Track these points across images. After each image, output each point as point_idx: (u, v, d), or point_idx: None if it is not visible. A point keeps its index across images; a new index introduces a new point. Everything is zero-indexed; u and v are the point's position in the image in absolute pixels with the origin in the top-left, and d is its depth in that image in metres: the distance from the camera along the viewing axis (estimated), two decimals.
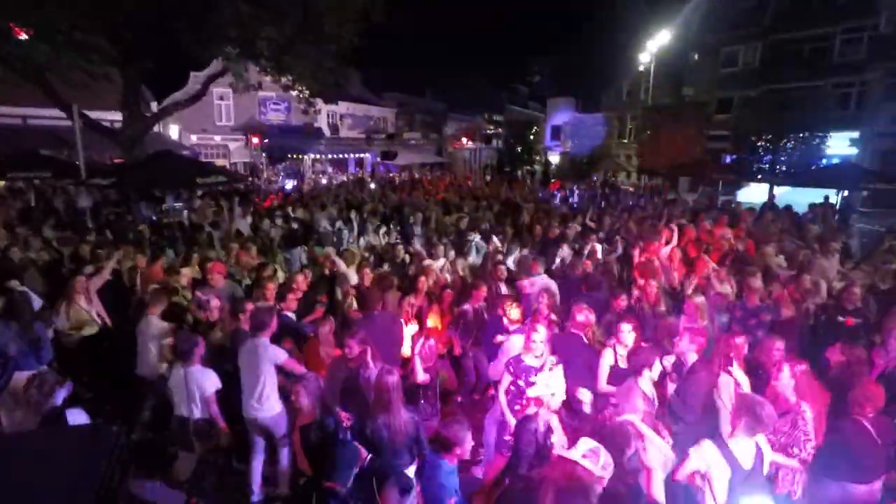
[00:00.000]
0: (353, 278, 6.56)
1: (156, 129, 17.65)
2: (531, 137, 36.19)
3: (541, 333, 4.19)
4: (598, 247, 8.27)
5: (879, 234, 10.47)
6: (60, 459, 1.65)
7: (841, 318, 5.65)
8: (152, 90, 20.70)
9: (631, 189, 21.89)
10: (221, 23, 11.08)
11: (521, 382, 4.12)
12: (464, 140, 41.02)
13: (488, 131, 45.01)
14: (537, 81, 61.01)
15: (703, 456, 3.01)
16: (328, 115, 32.50)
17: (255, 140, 24.57)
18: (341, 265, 6.73)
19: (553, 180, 26.01)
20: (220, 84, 17.77)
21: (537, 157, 37.39)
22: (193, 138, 25.69)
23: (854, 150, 19.56)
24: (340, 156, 32.64)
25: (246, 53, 11.84)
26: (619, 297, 5.70)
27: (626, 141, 30.81)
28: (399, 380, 3.71)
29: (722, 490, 2.93)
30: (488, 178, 27.55)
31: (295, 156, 28.85)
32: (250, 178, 19.21)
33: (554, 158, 39.44)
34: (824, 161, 17.81)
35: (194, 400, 4.16)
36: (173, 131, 24.21)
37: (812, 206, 13.15)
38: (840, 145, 19.90)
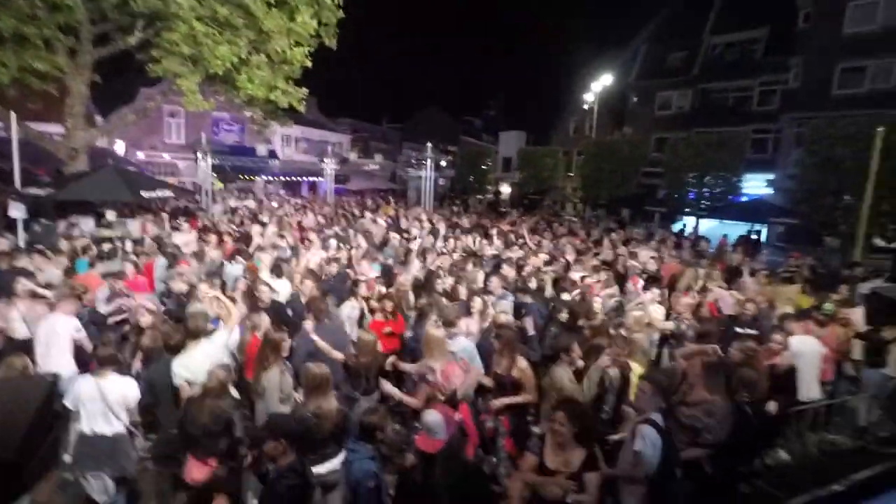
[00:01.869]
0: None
1: (100, 143, 17.24)
2: (483, 167, 37.29)
3: None
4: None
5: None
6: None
7: (739, 330, 6.39)
8: (98, 105, 20.24)
9: (574, 218, 22.99)
10: (175, 40, 11.20)
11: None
12: (414, 164, 41.83)
13: (441, 160, 46.06)
14: (491, 115, 63.20)
15: None
16: (282, 138, 32.55)
17: (208, 157, 24.21)
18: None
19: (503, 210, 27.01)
20: (171, 101, 17.69)
21: (489, 187, 38.49)
22: (140, 155, 25.09)
23: (770, 191, 21.59)
24: (293, 178, 32.59)
25: (199, 71, 11.95)
26: None
27: (571, 174, 32.37)
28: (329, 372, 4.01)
29: None
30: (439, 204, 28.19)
31: (247, 177, 28.62)
32: (198, 196, 18.91)
33: (505, 188, 40.72)
34: (744, 199, 19.56)
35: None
36: (119, 147, 23.57)
37: (737, 238, 14.57)
38: (758, 186, 21.93)
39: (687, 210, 19.83)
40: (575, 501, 2.99)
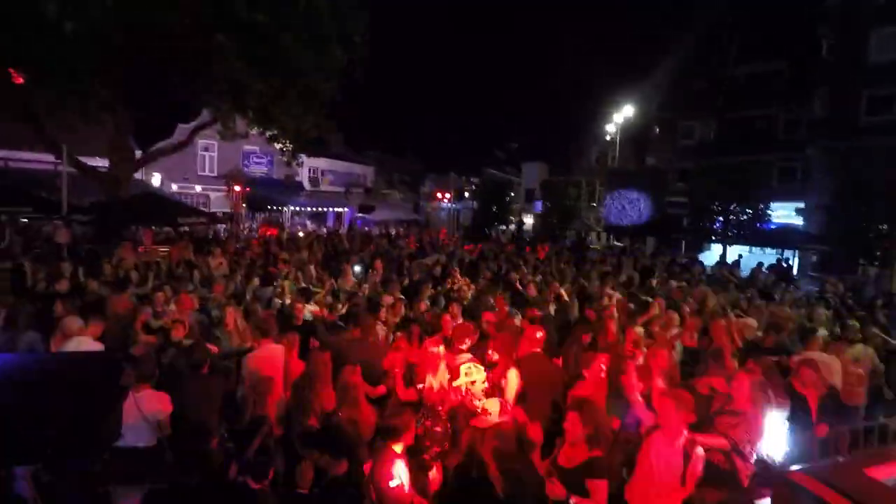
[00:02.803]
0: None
1: (138, 175, 18.19)
2: (506, 199, 37.66)
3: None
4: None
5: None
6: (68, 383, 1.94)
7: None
8: (138, 140, 21.42)
9: (598, 248, 22.96)
10: (214, 76, 11.92)
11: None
12: (438, 195, 42.54)
13: (465, 191, 46.79)
14: (514, 147, 64.11)
15: None
16: (309, 170, 33.65)
17: (238, 188, 25.23)
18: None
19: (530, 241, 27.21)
20: (205, 136, 18.61)
21: (512, 218, 38.75)
22: (174, 187, 26.21)
23: (800, 219, 21.25)
24: (320, 209, 33.49)
25: (236, 106, 12.64)
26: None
27: (595, 204, 32.43)
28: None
29: None
30: (458, 234, 28.54)
31: (275, 207, 29.55)
32: (230, 223, 19.64)
33: (528, 219, 40.91)
34: (772, 227, 19.35)
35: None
36: (155, 179, 24.73)
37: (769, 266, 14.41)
38: (787, 214, 21.62)
39: (714, 238, 19.66)
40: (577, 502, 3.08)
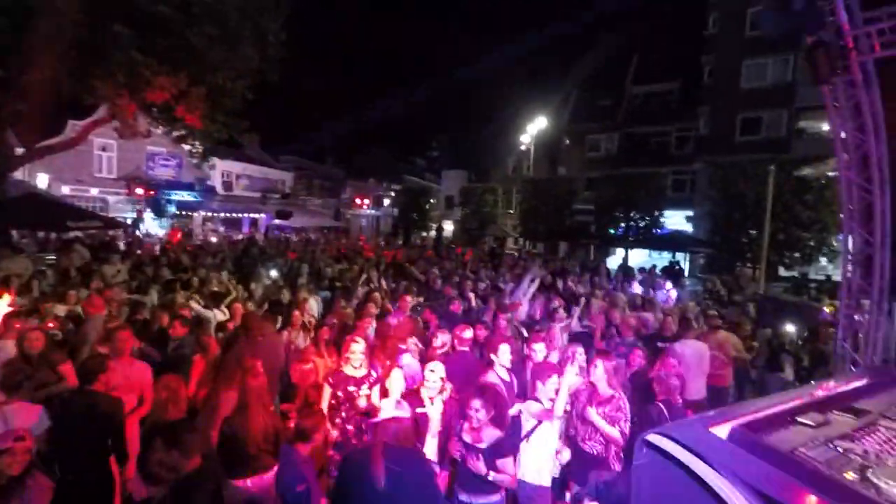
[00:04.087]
0: (219, 316, 6.98)
1: (18, 175, 16.42)
2: (426, 206, 38.18)
3: (359, 344, 4.69)
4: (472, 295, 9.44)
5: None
6: None
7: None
8: (21, 135, 19.32)
9: (515, 253, 23.94)
10: (111, 68, 11.12)
11: (339, 393, 4.56)
12: (357, 201, 42.30)
13: (384, 197, 46.82)
14: (435, 156, 64.94)
15: None
16: (223, 174, 32.12)
17: (140, 191, 23.52)
18: (200, 311, 7.00)
19: (451, 245, 27.74)
20: (102, 134, 17.23)
21: (432, 224, 39.34)
22: (65, 189, 23.93)
23: (690, 227, 23.65)
24: (234, 215, 32.03)
25: (135, 102, 11.88)
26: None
27: (511, 211, 33.78)
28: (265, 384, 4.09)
29: None
30: (382, 241, 28.55)
31: (184, 212, 27.88)
32: (130, 228, 18.27)
33: (448, 225, 41.68)
34: (666, 232, 21.41)
35: None
36: (41, 180, 22.40)
37: (662, 269, 15.87)
38: (680, 221, 23.97)
39: (617, 243, 21.44)
40: (494, 479, 3.38)
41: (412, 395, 4.21)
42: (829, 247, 14.91)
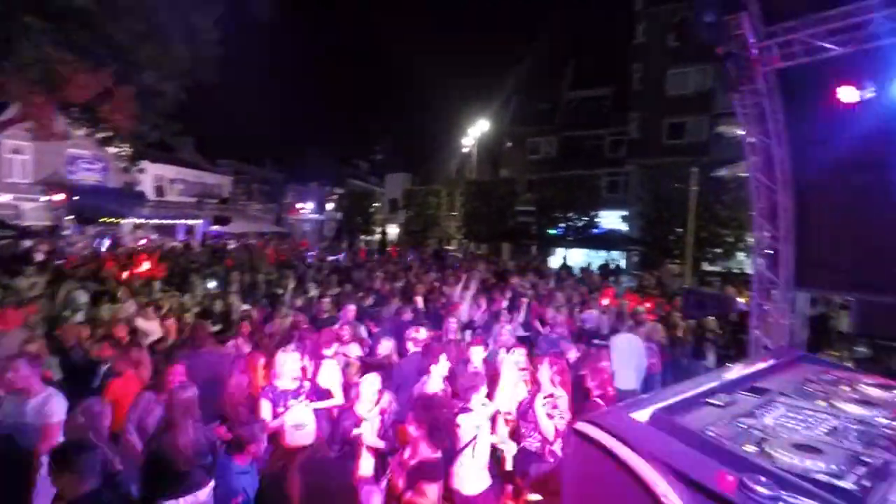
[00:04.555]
0: (156, 331, 6.66)
1: None
2: (370, 209, 37.92)
3: (289, 355, 4.54)
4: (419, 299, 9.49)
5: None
6: None
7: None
8: None
9: (459, 255, 24.20)
10: (21, 63, 10.32)
11: (280, 409, 4.41)
12: (299, 206, 41.46)
13: (328, 201, 46.09)
14: (378, 159, 64.50)
15: None
16: (154, 179, 30.49)
17: (59, 197, 21.88)
18: (142, 324, 6.70)
19: (389, 248, 27.59)
20: (15, 136, 15.94)
21: (376, 228, 39.06)
22: None
23: (625, 226, 24.79)
24: (167, 221, 30.46)
25: (53, 100, 11.09)
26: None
27: (454, 213, 34.10)
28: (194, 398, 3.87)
29: None
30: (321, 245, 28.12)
31: (110, 220, 26.18)
32: (50, 237, 17.00)
33: (392, 228, 41.54)
34: (603, 231, 22.42)
35: None
36: None
37: (599, 267, 16.62)
38: (615, 221, 25.09)
39: (557, 243, 22.21)
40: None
41: (345, 410, 4.17)
42: (746, 243, 16.16)
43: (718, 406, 2.76)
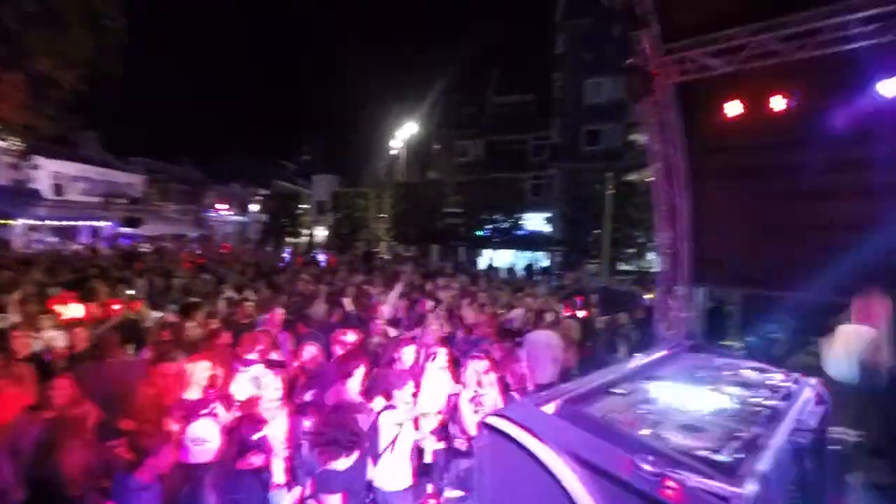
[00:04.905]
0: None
1: None
2: (297, 211, 36.86)
3: (201, 366, 4.32)
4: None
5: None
6: None
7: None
8: None
9: (388, 256, 24.09)
10: None
11: (186, 422, 4.14)
12: (220, 207, 39.54)
13: (252, 203, 44.21)
14: (305, 160, 62.78)
15: None
16: (51, 176, 27.81)
17: None
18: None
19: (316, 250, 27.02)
20: None
21: (304, 230, 38.04)
22: None
23: (549, 227, 25.84)
24: (67, 223, 27.86)
25: None
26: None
27: (383, 215, 33.94)
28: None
29: None
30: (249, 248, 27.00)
31: None
32: None
33: (320, 231, 40.64)
34: (527, 233, 23.28)
35: None
36: None
37: (524, 267, 17.20)
38: (540, 223, 26.08)
39: (484, 244, 22.76)
40: None
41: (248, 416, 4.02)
42: (654, 243, 17.33)
43: (620, 395, 2.97)
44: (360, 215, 31.29)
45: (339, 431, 3.29)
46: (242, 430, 3.85)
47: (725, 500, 1.90)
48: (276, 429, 3.86)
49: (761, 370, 3.47)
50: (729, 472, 2.07)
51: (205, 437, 3.86)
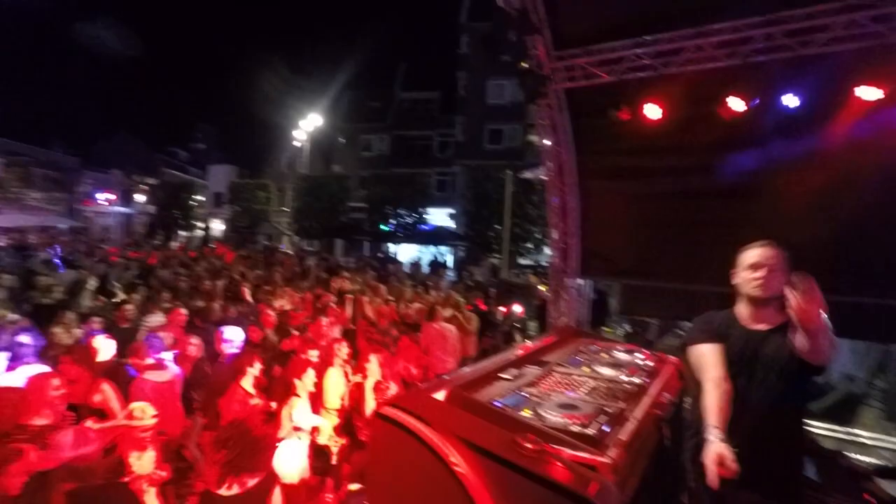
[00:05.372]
0: None
1: None
2: (189, 203, 34.27)
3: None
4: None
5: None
6: None
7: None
8: None
9: (290, 252, 23.20)
10: None
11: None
12: (99, 197, 35.70)
13: (137, 192, 40.26)
14: (200, 148, 58.46)
15: None
16: None
17: None
18: None
19: (212, 245, 25.33)
20: None
21: (197, 223, 35.50)
22: None
23: (453, 223, 26.43)
24: None
25: None
26: None
27: (286, 209, 32.66)
28: None
29: None
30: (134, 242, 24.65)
31: None
32: None
33: (217, 224, 38.20)
34: (432, 228, 23.68)
35: None
36: None
37: (429, 262, 17.43)
38: (444, 218, 26.61)
39: (388, 238, 22.78)
40: None
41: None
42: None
43: (507, 380, 3.14)
44: (260, 208, 29.84)
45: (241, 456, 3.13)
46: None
47: (593, 468, 2.09)
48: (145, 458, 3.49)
49: (631, 352, 3.84)
50: (597, 443, 2.27)
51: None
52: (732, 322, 2.60)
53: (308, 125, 31.05)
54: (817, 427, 4.63)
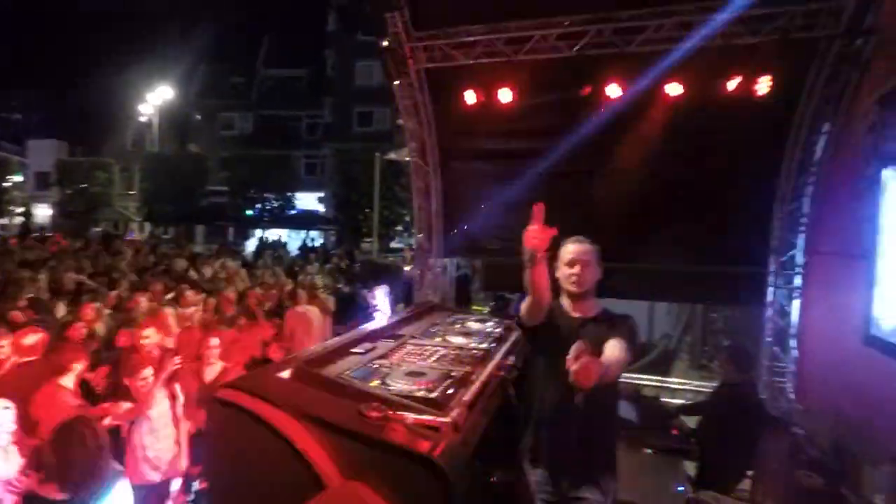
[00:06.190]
0: None
1: None
2: (4, 183, 29.06)
3: None
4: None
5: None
6: None
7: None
8: None
9: (138, 239, 20.79)
10: None
11: None
12: None
13: None
14: (15, 119, 49.36)
15: None
16: None
17: None
18: None
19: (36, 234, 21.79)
20: None
21: (15, 209, 30.29)
22: None
23: (322, 207, 25.65)
24: None
25: None
26: None
27: (132, 192, 29.12)
28: None
29: None
30: None
31: None
32: None
33: (42, 209, 32.89)
34: (300, 212, 22.78)
35: None
36: None
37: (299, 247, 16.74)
38: (313, 202, 25.71)
39: (253, 223, 21.43)
40: None
41: None
42: None
43: (359, 353, 3.12)
44: (99, 191, 26.17)
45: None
46: None
47: (437, 429, 2.16)
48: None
49: (483, 321, 4.06)
50: (440, 406, 2.35)
51: None
52: (559, 309, 2.83)
53: (156, 98, 27.78)
54: (640, 378, 5.36)
